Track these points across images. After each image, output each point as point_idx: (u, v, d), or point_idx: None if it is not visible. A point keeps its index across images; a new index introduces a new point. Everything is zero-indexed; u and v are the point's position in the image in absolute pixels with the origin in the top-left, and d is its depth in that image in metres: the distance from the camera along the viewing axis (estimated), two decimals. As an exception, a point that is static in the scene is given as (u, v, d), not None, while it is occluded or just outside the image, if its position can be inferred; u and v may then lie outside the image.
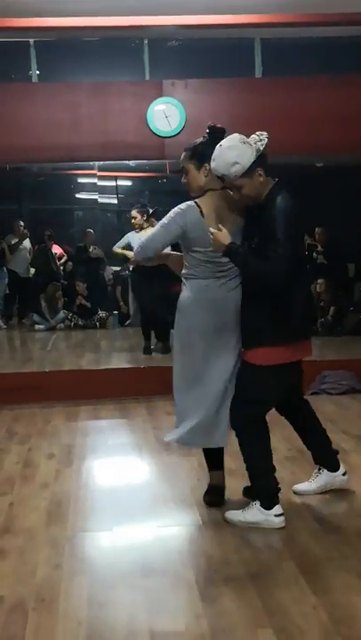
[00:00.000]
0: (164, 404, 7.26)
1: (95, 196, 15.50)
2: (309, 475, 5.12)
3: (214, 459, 4.73)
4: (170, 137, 8.85)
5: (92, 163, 12.19)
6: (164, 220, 4.37)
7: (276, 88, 9.33)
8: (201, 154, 4.34)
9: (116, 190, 15.81)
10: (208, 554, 3.97)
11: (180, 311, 4.45)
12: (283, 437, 6.18)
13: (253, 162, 4.06)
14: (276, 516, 4.27)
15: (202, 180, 4.39)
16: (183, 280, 4.48)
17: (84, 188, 16.08)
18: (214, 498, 4.67)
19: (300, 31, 10.14)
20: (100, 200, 15.51)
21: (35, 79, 11.45)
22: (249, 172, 4.06)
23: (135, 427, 6.91)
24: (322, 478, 4.84)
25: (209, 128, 4.42)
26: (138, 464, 5.87)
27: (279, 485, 4.39)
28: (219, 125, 4.40)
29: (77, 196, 16.48)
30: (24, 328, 13.59)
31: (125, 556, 3.98)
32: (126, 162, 11.59)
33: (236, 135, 4.13)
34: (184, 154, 4.45)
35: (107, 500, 4.93)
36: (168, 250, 4.75)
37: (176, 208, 4.33)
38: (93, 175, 14.53)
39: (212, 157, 4.14)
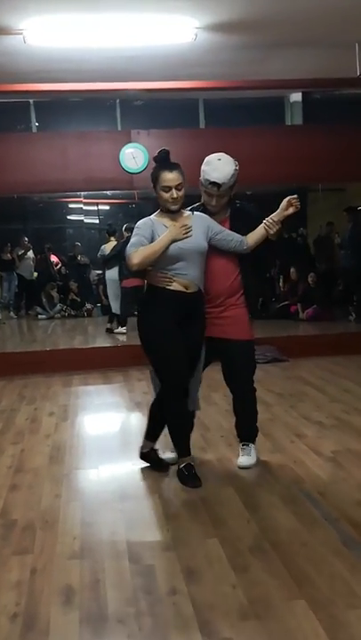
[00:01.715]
0: (136, 373, 7.26)
1: (82, 218, 15.48)
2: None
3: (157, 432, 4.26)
4: (137, 173, 8.80)
5: (78, 193, 12.13)
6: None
7: (215, 135, 9.30)
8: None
9: (97, 213, 15.77)
10: (169, 483, 3.98)
11: None
12: (223, 395, 6.23)
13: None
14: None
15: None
16: None
17: (73, 211, 16.03)
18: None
19: (232, 93, 10.19)
20: (86, 220, 15.49)
21: (34, 130, 11.34)
22: (234, 185, 3.96)
23: (115, 390, 6.90)
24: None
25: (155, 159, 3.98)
26: (117, 418, 5.87)
27: None
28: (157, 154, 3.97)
29: (68, 217, 16.44)
30: (30, 318, 13.51)
31: (108, 487, 3.97)
32: (104, 192, 11.55)
33: (226, 155, 3.99)
34: (179, 171, 3.88)
35: (94, 445, 4.93)
36: None
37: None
38: (80, 202, 14.50)
39: (209, 166, 3.92)
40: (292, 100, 11.91)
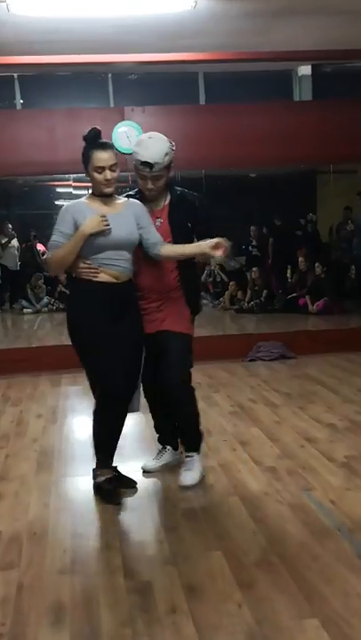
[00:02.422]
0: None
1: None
2: (249, 426, 5.17)
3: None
4: (130, 154, 8.77)
5: (67, 175, 12.11)
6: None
7: (216, 112, 9.31)
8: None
9: (87, 197, 15.74)
10: (168, 493, 3.97)
11: None
12: (226, 395, 6.24)
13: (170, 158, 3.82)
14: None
15: None
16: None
17: (61, 196, 15.95)
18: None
19: (235, 66, 10.15)
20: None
21: (19, 107, 11.31)
22: (169, 165, 3.84)
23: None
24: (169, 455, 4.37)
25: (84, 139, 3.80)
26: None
27: None
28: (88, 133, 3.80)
29: (56, 202, 16.34)
30: (15, 312, 13.47)
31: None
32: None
33: (158, 133, 3.89)
34: (112, 150, 3.75)
35: (85, 450, 4.88)
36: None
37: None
38: (69, 185, 14.43)
39: (142, 147, 3.80)
40: (300, 74, 11.89)
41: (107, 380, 3.77)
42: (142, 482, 4.12)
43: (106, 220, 3.66)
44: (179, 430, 4.26)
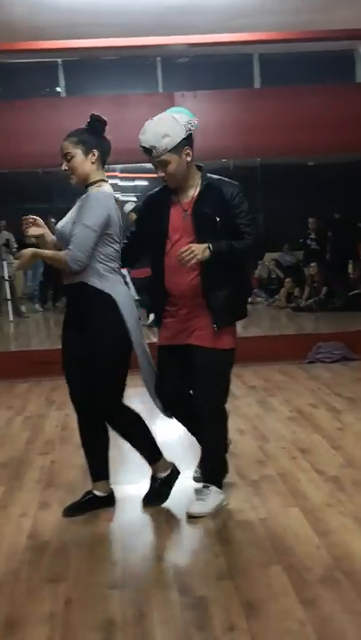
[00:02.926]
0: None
1: (117, 195, 15.47)
2: (310, 432, 5.13)
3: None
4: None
5: (113, 166, 12.17)
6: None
7: (272, 96, 9.25)
8: (88, 140, 3.76)
9: (135, 189, 15.79)
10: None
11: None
12: (284, 399, 6.21)
13: (183, 139, 3.55)
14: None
15: (88, 167, 3.76)
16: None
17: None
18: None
19: (292, 46, 10.07)
20: (122, 198, 15.47)
21: (63, 94, 11.42)
22: (178, 148, 3.55)
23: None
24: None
25: (91, 117, 3.84)
26: (160, 426, 5.86)
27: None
28: (103, 118, 3.84)
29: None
30: (58, 310, 13.58)
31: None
32: (143, 164, 11.54)
33: (165, 113, 3.68)
34: (69, 139, 3.77)
35: (134, 456, 4.91)
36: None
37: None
38: (115, 176, 14.51)
39: (141, 131, 3.63)
40: (363, 53, 11.79)
41: (69, 391, 4.00)
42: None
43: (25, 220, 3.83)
44: (202, 456, 4.07)
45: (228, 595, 2.93)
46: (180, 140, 3.55)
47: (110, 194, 3.75)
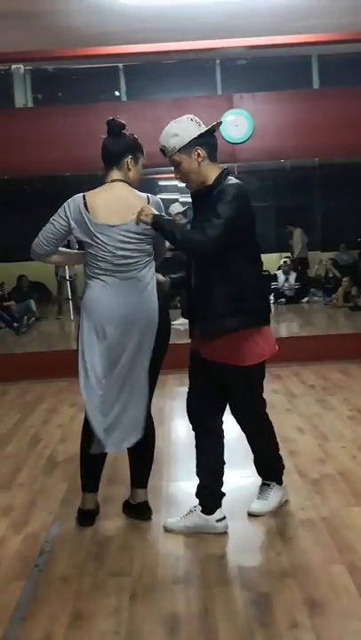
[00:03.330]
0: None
1: (176, 196, 15.49)
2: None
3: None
4: (240, 143, 8.75)
5: (172, 168, 12.20)
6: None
7: (331, 97, 9.13)
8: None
9: (177, 189, 15.80)
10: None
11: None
12: (343, 398, 6.14)
13: (194, 139, 3.44)
14: (217, 521, 3.58)
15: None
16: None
17: (166, 189, 16.11)
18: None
19: (352, 47, 9.94)
20: (181, 199, 15.49)
21: (123, 98, 11.49)
22: (187, 148, 3.45)
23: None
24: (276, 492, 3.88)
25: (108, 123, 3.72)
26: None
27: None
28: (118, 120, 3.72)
29: (160, 196, 16.52)
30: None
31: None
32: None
33: (184, 116, 3.55)
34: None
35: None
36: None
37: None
38: (173, 178, 14.50)
39: None
40: None
41: None
42: (256, 488, 4.08)
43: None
44: (255, 459, 3.94)
45: (291, 592, 2.91)
46: (189, 140, 3.46)
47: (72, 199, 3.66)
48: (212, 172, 3.52)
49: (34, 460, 4.84)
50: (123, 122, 3.74)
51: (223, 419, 3.78)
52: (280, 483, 3.89)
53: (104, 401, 3.61)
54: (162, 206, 3.75)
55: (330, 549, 3.28)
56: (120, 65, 11.30)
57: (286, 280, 13.40)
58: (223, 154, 8.89)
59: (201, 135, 3.48)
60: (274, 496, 3.82)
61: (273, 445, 3.89)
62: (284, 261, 13.54)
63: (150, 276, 3.65)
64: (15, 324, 11.34)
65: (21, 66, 11.49)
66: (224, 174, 3.53)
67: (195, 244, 3.43)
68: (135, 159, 3.72)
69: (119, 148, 3.69)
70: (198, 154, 3.48)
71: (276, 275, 13.54)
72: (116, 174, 3.70)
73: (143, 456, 3.84)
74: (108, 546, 3.48)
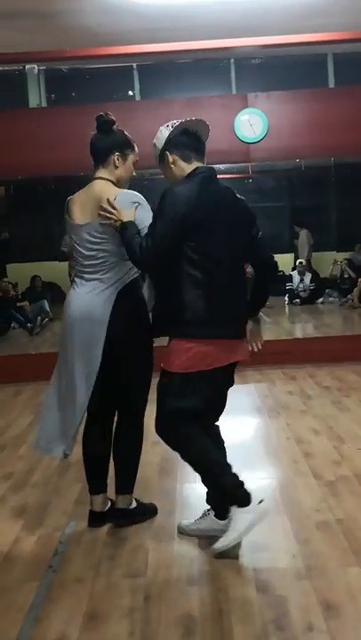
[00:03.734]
0: (252, 373, 7.24)
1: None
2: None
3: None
4: (254, 143, 8.74)
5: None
6: None
7: (347, 96, 9.11)
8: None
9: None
10: (300, 502, 3.93)
11: None
12: (358, 400, 6.13)
13: (164, 145, 3.45)
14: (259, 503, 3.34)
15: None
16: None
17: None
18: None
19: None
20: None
21: (137, 97, 11.50)
22: (163, 156, 3.47)
23: (229, 393, 6.87)
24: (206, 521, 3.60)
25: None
26: (233, 425, 5.84)
27: None
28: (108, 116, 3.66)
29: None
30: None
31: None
32: (217, 165, 11.59)
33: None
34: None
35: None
36: None
37: None
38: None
39: None
40: None
41: None
42: (271, 490, 4.09)
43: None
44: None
45: (307, 595, 2.91)
46: (161, 147, 3.48)
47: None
48: (185, 174, 3.45)
49: (47, 461, 4.85)
50: (112, 118, 3.66)
51: (213, 421, 3.73)
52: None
53: (49, 404, 3.64)
54: (136, 202, 3.49)
55: (345, 552, 3.27)
56: (134, 64, 11.32)
57: (301, 281, 13.37)
58: (238, 153, 9.04)
59: (170, 139, 3.45)
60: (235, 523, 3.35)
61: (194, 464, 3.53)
62: (300, 262, 13.51)
63: (115, 280, 3.49)
64: (29, 324, 11.38)
65: (35, 66, 11.54)
66: (194, 174, 3.41)
67: (132, 258, 3.35)
68: (123, 156, 3.62)
69: (106, 145, 3.61)
70: (168, 159, 3.46)
71: (291, 275, 13.51)
72: (101, 172, 3.62)
73: (116, 461, 3.77)
74: (122, 547, 3.49)
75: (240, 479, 3.35)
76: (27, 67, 11.54)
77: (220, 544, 3.28)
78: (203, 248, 3.29)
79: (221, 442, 3.67)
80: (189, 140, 3.50)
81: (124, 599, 2.98)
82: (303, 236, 14.19)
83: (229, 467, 3.41)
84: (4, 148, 8.50)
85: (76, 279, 3.59)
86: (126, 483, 3.77)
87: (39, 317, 11.76)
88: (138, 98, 11.66)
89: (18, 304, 12.00)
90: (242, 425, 5.77)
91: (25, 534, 3.72)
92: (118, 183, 3.61)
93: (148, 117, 9.15)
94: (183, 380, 3.35)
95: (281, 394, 6.55)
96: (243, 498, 3.31)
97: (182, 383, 3.36)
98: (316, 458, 4.63)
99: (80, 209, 3.55)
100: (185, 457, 3.51)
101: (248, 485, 3.35)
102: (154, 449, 5.02)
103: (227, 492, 3.37)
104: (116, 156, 3.60)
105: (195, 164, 3.46)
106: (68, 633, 2.74)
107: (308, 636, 2.61)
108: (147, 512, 3.84)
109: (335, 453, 4.69)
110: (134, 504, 3.80)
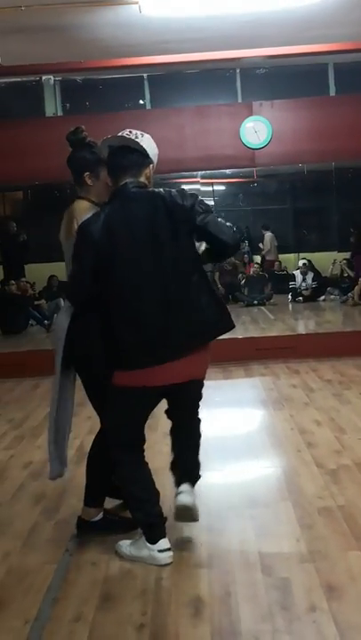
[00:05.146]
0: (258, 367, 7.24)
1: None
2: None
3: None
4: (259, 149, 8.74)
5: (195, 172, 12.21)
6: None
7: (347, 104, 9.09)
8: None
9: (213, 194, 15.79)
10: (303, 489, 3.93)
11: None
12: (359, 392, 6.11)
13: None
14: (160, 551, 3.13)
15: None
16: None
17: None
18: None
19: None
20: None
21: (147, 106, 11.51)
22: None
23: (236, 386, 6.90)
24: None
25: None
26: (240, 415, 5.85)
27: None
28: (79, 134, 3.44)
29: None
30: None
31: (236, 492, 3.97)
32: (223, 170, 11.59)
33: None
34: None
35: (218, 445, 4.92)
36: None
37: None
38: (197, 182, 14.52)
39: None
40: None
41: None
42: (275, 477, 4.09)
43: None
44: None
45: (310, 577, 2.91)
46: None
47: None
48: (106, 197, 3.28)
49: (64, 451, 4.87)
50: (82, 135, 3.41)
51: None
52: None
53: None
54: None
55: (347, 536, 3.27)
56: (144, 75, 11.31)
57: (304, 280, 13.35)
58: (243, 159, 9.03)
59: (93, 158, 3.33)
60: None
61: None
62: (304, 264, 13.49)
63: None
64: (46, 321, 11.39)
65: (51, 77, 11.56)
66: (113, 197, 3.17)
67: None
68: (95, 175, 3.37)
69: (77, 167, 3.40)
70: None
71: (294, 274, 13.51)
72: (79, 191, 3.42)
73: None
74: (134, 532, 3.48)
75: (154, 518, 3.18)
76: (43, 78, 11.56)
77: (121, 548, 3.21)
78: (117, 281, 3.05)
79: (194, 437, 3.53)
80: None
81: (136, 581, 2.98)
82: (267, 238, 14.40)
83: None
84: (23, 155, 8.54)
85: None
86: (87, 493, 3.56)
87: (55, 315, 11.77)
88: (148, 106, 11.64)
89: (35, 302, 12.02)
90: (247, 416, 5.77)
91: (43, 519, 3.74)
92: (98, 198, 3.37)
93: (159, 125, 9.17)
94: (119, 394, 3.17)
95: (285, 387, 6.55)
96: (149, 535, 3.16)
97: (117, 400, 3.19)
98: (319, 447, 4.62)
99: (63, 226, 3.40)
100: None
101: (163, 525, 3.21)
102: (165, 439, 5.04)
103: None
104: (86, 177, 3.37)
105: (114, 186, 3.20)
106: (84, 613, 2.75)
107: (311, 615, 2.61)
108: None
109: (337, 443, 4.69)
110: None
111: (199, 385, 3.34)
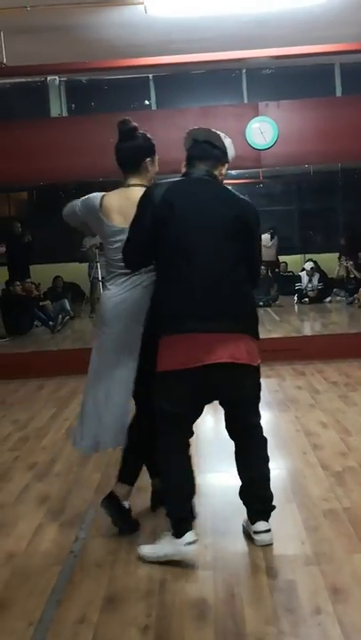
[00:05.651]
0: (263, 369, 7.23)
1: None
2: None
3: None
4: (265, 149, 8.73)
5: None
6: None
7: (354, 104, 9.08)
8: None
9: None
10: (309, 492, 3.93)
11: None
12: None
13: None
14: (186, 544, 3.11)
15: None
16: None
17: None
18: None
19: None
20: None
21: (153, 107, 11.52)
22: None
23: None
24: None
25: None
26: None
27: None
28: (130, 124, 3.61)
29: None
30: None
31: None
32: (229, 171, 11.58)
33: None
34: None
35: (223, 446, 4.91)
36: None
37: None
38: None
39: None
40: None
41: None
42: (281, 480, 4.09)
43: None
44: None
45: (315, 579, 2.91)
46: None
47: None
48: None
49: (69, 452, 4.86)
50: (134, 124, 3.59)
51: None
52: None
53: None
54: None
55: (352, 539, 3.27)
56: (150, 75, 11.32)
57: (310, 281, 13.34)
58: (249, 160, 9.02)
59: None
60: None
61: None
62: (311, 267, 13.47)
63: (146, 278, 3.39)
64: (51, 322, 11.42)
65: (56, 77, 11.59)
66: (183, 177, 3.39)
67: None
68: (153, 160, 3.59)
69: (137, 153, 3.55)
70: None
71: (300, 276, 13.50)
72: (135, 179, 3.53)
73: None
74: (139, 533, 3.49)
75: (185, 512, 3.19)
76: (48, 78, 11.59)
77: (143, 551, 3.20)
78: (174, 242, 3.12)
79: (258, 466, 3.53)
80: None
81: (141, 583, 2.99)
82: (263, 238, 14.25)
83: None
84: (28, 156, 8.54)
85: (109, 279, 3.51)
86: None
87: (60, 316, 11.80)
88: (154, 107, 11.66)
89: (40, 303, 12.04)
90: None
91: (48, 521, 3.75)
92: (150, 183, 3.53)
93: (164, 125, 9.17)
94: (161, 380, 3.20)
95: (290, 388, 6.54)
96: (176, 529, 3.15)
97: (160, 385, 3.21)
98: (324, 449, 4.62)
99: (119, 214, 3.44)
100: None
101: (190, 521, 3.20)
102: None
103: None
104: (147, 162, 3.55)
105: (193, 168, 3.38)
106: (88, 614, 2.75)
107: (317, 618, 2.61)
108: None
109: (342, 445, 4.68)
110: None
111: (250, 379, 3.46)
